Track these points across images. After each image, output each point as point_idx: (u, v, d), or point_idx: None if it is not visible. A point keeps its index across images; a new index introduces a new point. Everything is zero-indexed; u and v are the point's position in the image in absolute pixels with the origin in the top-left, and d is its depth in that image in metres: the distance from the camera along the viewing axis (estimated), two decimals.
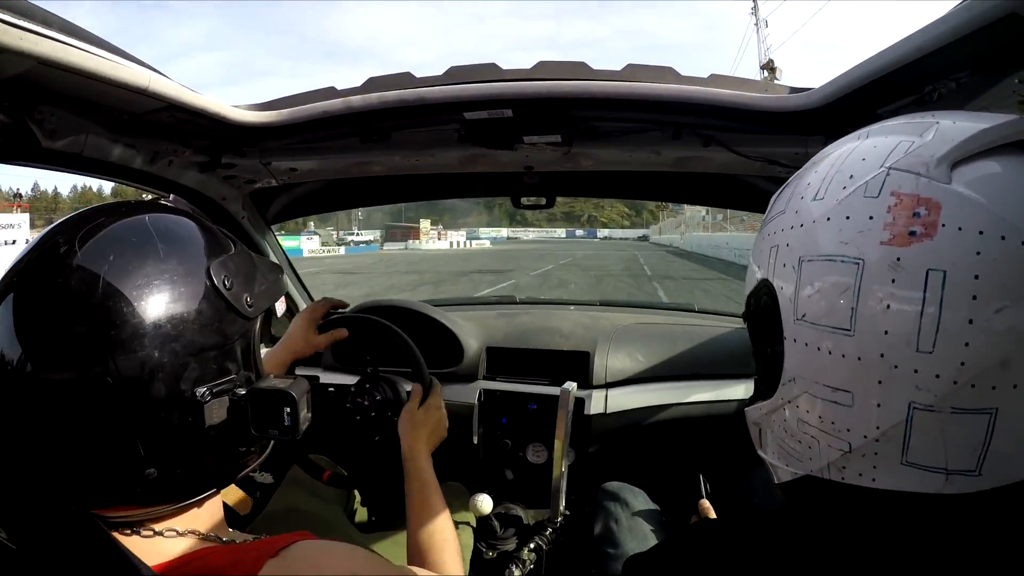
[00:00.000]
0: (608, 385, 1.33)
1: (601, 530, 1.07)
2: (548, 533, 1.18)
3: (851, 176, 0.40)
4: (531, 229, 70.57)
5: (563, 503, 1.17)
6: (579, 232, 70.48)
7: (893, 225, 0.36)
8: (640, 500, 1.11)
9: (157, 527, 0.48)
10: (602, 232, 70.83)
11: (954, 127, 0.38)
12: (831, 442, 0.41)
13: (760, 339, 0.48)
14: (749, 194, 1.29)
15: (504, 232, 65.52)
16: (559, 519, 1.18)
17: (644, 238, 57.25)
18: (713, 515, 1.01)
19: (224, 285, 0.49)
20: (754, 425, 0.51)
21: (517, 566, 1.11)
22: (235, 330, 0.50)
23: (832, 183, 0.41)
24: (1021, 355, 0.34)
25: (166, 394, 0.45)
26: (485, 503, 1.15)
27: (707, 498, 1.05)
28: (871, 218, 0.37)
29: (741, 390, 1.29)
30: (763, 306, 0.45)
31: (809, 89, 0.82)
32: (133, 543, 0.46)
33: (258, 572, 0.44)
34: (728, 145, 1.00)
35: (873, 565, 0.39)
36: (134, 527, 0.47)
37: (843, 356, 0.38)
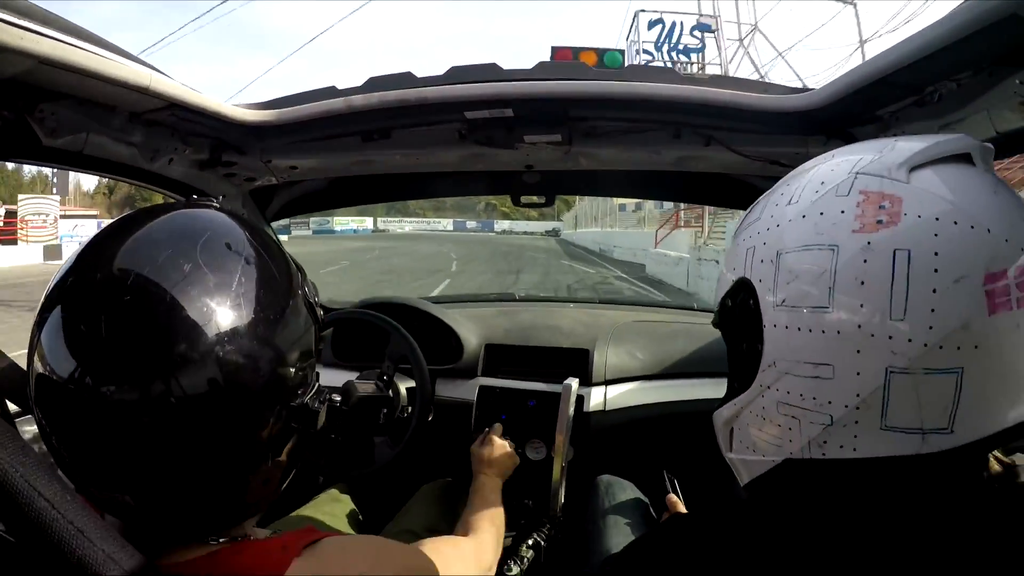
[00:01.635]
0: (607, 382, 1.33)
1: (589, 525, 1.07)
2: (547, 529, 1.18)
3: (822, 182, 0.46)
4: (409, 219, 52.78)
5: (562, 499, 1.18)
6: (471, 224, 51.68)
7: (862, 216, 0.42)
8: (628, 494, 1.12)
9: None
10: (502, 224, 52.52)
11: (910, 143, 0.45)
12: (812, 418, 0.44)
13: (737, 336, 0.51)
14: (749, 194, 1.28)
15: (368, 223, 47.57)
16: (558, 515, 1.18)
17: (554, 232, 46.07)
18: (682, 509, 1.02)
19: (315, 300, 0.52)
20: (724, 426, 0.54)
21: (516, 562, 1.11)
22: (317, 341, 0.53)
23: (805, 190, 0.47)
24: (979, 318, 0.39)
25: (287, 401, 0.47)
26: None
27: (675, 494, 1.06)
28: (843, 212, 0.43)
29: None
30: (740, 303, 0.49)
31: (810, 90, 0.82)
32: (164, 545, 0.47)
33: (285, 572, 0.44)
34: (728, 145, 1.00)
35: (852, 539, 0.41)
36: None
37: (823, 332, 0.42)
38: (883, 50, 0.65)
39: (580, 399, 1.27)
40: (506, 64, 0.95)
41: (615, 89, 0.88)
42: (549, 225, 51.30)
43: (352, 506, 1.29)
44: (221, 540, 0.48)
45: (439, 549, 0.67)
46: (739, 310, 0.49)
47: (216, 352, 0.41)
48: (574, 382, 1.19)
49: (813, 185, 0.46)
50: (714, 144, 1.01)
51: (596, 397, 1.30)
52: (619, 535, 1.02)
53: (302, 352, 0.48)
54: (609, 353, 1.36)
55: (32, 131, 0.73)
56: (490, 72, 0.93)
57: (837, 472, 0.44)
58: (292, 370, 0.47)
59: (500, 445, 1.11)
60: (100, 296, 0.41)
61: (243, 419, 0.44)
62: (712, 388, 1.31)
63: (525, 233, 48.54)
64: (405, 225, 51.18)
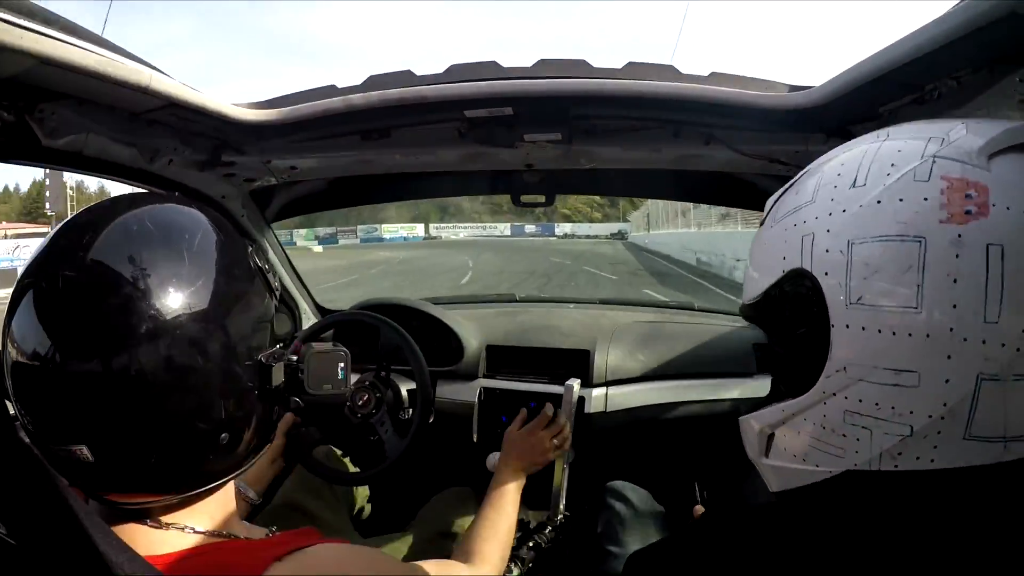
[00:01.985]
0: (608, 383, 1.33)
1: (604, 528, 1.07)
2: (547, 532, 1.18)
3: (893, 164, 0.41)
4: (464, 225, 48.03)
5: (563, 502, 1.17)
6: (530, 228, 46.42)
7: (949, 205, 0.38)
8: (644, 500, 1.12)
9: (166, 519, 0.48)
10: (563, 227, 47.19)
11: (979, 126, 0.41)
12: (888, 428, 0.40)
13: (786, 335, 0.46)
14: (749, 192, 1.28)
15: (419, 230, 43.83)
16: (559, 518, 1.18)
17: (621, 235, 39.05)
18: None
19: (265, 268, 0.56)
20: (761, 432, 0.49)
21: (516, 564, 1.11)
22: (272, 307, 0.56)
23: (871, 171, 0.42)
24: None
25: (241, 360, 0.49)
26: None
27: (703, 503, 1.05)
28: (925, 199, 0.39)
29: (740, 389, 1.30)
30: (797, 296, 0.44)
31: (810, 87, 0.82)
32: (140, 533, 0.47)
33: (262, 571, 0.44)
34: (729, 143, 1.00)
35: (924, 550, 0.39)
36: (145, 517, 0.47)
37: (909, 335, 0.38)
38: (883, 47, 0.65)
39: (581, 400, 1.27)
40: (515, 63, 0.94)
41: (615, 87, 0.87)
42: (614, 227, 44.52)
43: (357, 507, 1.29)
44: (199, 530, 0.49)
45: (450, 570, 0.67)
46: (793, 305, 0.44)
47: (174, 327, 0.44)
48: (576, 383, 1.19)
49: (881, 166, 0.42)
50: (714, 142, 1.01)
51: (597, 398, 1.30)
52: (636, 539, 1.02)
53: (258, 323, 0.52)
54: (610, 354, 1.35)
55: (32, 131, 0.73)
56: (490, 70, 0.93)
57: (905, 483, 0.40)
58: (248, 339, 0.50)
59: (541, 439, 1.03)
60: (64, 276, 0.43)
61: (201, 384, 0.46)
62: (713, 389, 1.31)
63: (587, 237, 41.93)
64: (459, 231, 46.71)
